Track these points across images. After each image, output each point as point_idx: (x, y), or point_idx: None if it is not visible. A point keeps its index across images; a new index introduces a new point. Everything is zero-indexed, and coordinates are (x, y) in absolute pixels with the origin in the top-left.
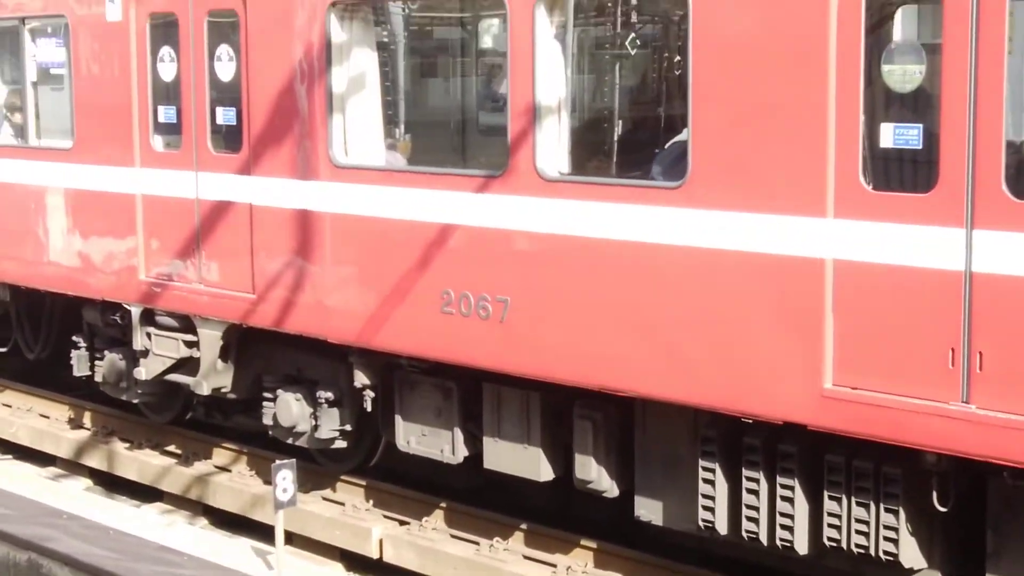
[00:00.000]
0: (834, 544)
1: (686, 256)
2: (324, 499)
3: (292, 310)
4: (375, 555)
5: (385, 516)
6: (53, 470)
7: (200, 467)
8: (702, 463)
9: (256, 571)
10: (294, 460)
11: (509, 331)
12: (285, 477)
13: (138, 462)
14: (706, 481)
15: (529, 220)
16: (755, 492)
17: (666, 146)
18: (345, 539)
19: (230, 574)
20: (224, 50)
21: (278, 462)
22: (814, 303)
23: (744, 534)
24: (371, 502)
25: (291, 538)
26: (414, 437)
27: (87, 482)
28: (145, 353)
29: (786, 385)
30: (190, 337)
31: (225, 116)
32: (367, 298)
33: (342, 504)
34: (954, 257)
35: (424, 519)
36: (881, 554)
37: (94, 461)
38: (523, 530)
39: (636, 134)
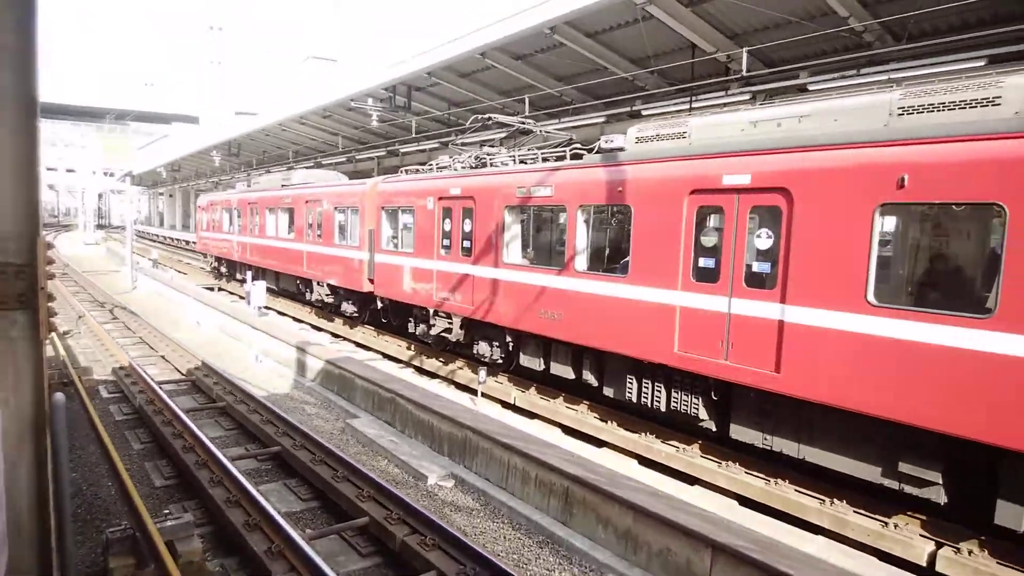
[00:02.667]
0: (676, 410)
1: (626, 302)
2: (495, 382)
3: (492, 313)
4: (512, 402)
5: (518, 389)
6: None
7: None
8: (628, 375)
9: (467, 402)
10: (486, 367)
11: (562, 324)
12: (482, 371)
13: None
14: (629, 383)
15: (572, 285)
16: (649, 387)
17: (623, 260)
18: (500, 392)
19: (454, 401)
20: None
21: (480, 367)
22: (672, 320)
23: (643, 403)
24: (512, 384)
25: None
26: (527, 359)
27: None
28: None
29: (663, 347)
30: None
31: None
32: (514, 311)
33: (501, 383)
34: (723, 306)
35: (531, 389)
36: (692, 413)
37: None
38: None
39: (614, 255)
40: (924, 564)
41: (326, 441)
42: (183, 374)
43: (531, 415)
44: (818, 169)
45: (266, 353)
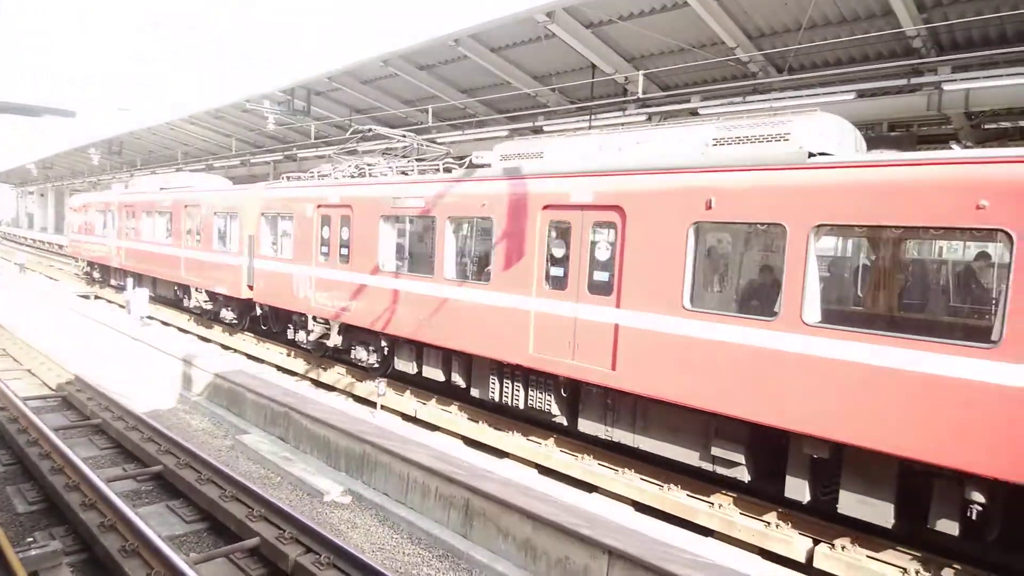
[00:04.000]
0: (532, 407)
1: (489, 308)
2: (395, 394)
3: (369, 319)
4: (413, 414)
5: (419, 400)
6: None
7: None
8: (492, 376)
9: (366, 415)
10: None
11: (433, 329)
12: (381, 383)
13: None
14: (492, 383)
15: (442, 291)
16: (509, 387)
17: (486, 269)
18: (400, 404)
19: (353, 415)
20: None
21: (379, 378)
22: (528, 324)
23: (504, 402)
24: (412, 395)
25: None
26: (401, 363)
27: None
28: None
29: (520, 350)
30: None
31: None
32: (390, 317)
33: (401, 396)
34: (571, 311)
35: (431, 401)
36: (545, 409)
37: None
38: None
39: (479, 263)
40: (803, 560)
41: (213, 459)
42: (53, 389)
43: (432, 427)
44: (645, 191)
45: (148, 366)
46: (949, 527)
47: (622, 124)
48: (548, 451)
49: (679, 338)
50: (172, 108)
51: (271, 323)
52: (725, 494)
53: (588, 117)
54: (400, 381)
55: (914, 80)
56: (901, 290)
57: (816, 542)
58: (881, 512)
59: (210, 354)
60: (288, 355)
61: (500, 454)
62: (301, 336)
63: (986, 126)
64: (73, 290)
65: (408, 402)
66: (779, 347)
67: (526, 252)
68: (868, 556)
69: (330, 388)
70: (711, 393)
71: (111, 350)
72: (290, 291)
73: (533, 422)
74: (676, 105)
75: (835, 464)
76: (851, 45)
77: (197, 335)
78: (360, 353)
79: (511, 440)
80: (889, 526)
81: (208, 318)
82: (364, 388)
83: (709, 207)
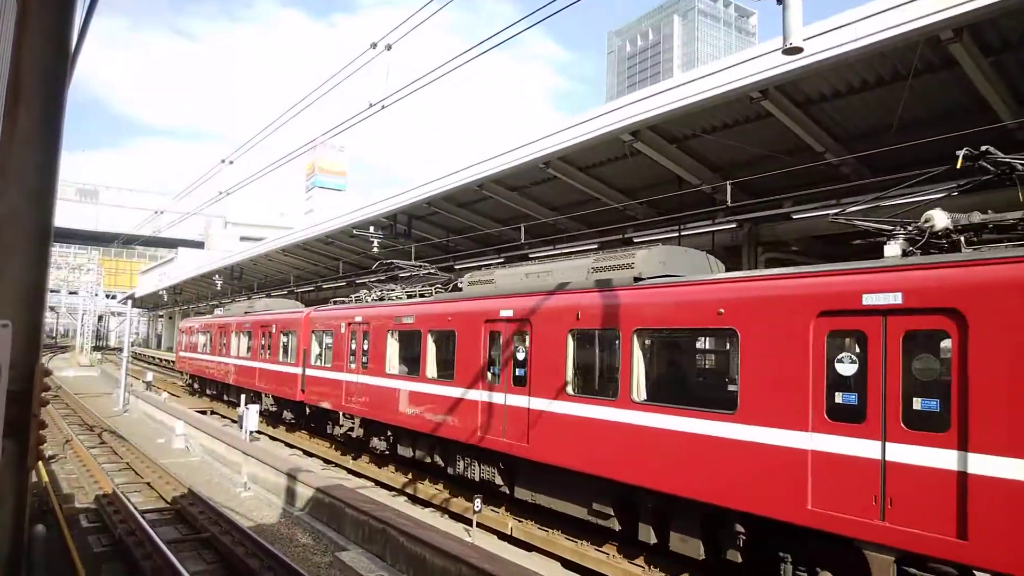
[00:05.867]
0: (483, 478)
1: (453, 399)
2: (490, 510)
3: (379, 413)
4: (508, 531)
5: (515, 519)
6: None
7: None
8: (457, 455)
9: (462, 533)
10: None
11: (419, 419)
12: (478, 500)
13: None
14: (458, 461)
15: (425, 388)
16: (467, 463)
17: (452, 369)
18: (496, 522)
19: (448, 531)
20: None
21: (476, 497)
22: (477, 412)
23: (463, 474)
24: (508, 513)
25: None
26: (402, 449)
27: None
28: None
29: (472, 433)
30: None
31: None
32: (392, 411)
33: (496, 512)
34: (503, 400)
35: (528, 520)
36: (491, 480)
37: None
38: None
39: (448, 365)
40: None
41: None
42: (168, 502)
43: (528, 547)
44: (545, 307)
45: (254, 479)
46: (733, 555)
47: (712, 231)
48: (650, 574)
49: (566, 416)
50: (287, 235)
51: (316, 420)
52: None
53: (677, 227)
54: (497, 497)
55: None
56: (685, 374)
57: None
58: (693, 547)
59: (312, 469)
60: (388, 469)
61: None
62: (337, 430)
63: None
64: (191, 406)
65: (504, 519)
66: (621, 420)
67: (476, 355)
68: None
69: (425, 503)
70: (589, 458)
71: (221, 463)
72: (329, 393)
73: (627, 542)
74: (768, 211)
75: (666, 511)
76: (942, 145)
77: (302, 450)
78: (375, 442)
79: (613, 564)
80: (701, 558)
81: (272, 419)
82: (459, 503)
83: (577, 318)
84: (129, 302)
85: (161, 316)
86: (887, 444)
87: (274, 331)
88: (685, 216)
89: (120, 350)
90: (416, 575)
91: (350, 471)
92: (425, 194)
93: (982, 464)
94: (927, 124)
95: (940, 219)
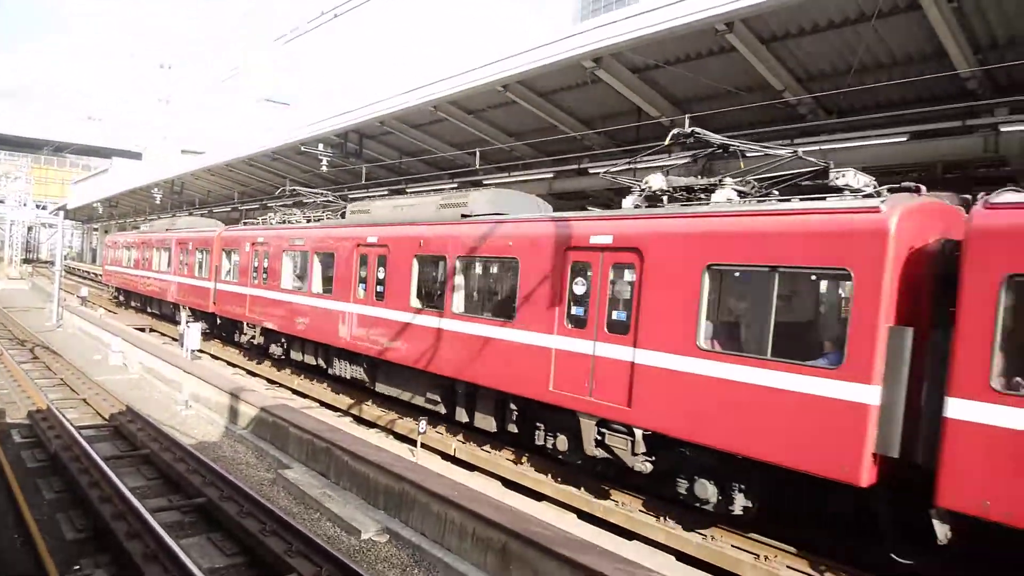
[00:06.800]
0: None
1: (327, 311)
2: (435, 432)
3: (277, 323)
4: (452, 452)
5: (458, 440)
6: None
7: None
8: (335, 358)
9: (406, 452)
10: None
11: (308, 328)
12: (422, 421)
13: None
14: (339, 362)
15: (309, 301)
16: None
17: (332, 284)
18: (440, 443)
19: (393, 452)
20: None
21: (420, 418)
22: (351, 320)
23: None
24: (451, 435)
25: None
26: (295, 354)
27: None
28: None
29: (333, 336)
30: None
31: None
32: (286, 321)
33: (440, 434)
34: (371, 312)
35: (471, 441)
36: (358, 376)
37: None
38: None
39: (329, 281)
40: None
41: (255, 492)
42: (105, 419)
43: (471, 467)
44: (401, 235)
45: (196, 398)
46: (513, 428)
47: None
48: (588, 496)
49: (411, 325)
50: (231, 148)
51: (226, 329)
52: (767, 545)
53: (633, 160)
54: (439, 419)
55: (969, 122)
56: (488, 292)
57: None
58: (489, 423)
59: (256, 388)
60: (331, 391)
61: (539, 496)
62: (244, 338)
63: None
64: (129, 323)
65: (448, 441)
66: (445, 328)
67: (350, 272)
68: None
69: (371, 424)
70: (426, 360)
71: (162, 382)
72: (237, 305)
73: (574, 466)
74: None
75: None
76: (904, 87)
77: (245, 370)
78: (274, 348)
79: (551, 483)
80: (494, 431)
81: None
82: (404, 425)
83: (420, 246)
84: (61, 213)
85: (96, 230)
86: (597, 344)
87: (191, 248)
88: (642, 148)
89: (52, 263)
90: (360, 493)
91: (295, 391)
92: (376, 113)
93: (641, 356)
94: (886, 68)
95: (655, 181)
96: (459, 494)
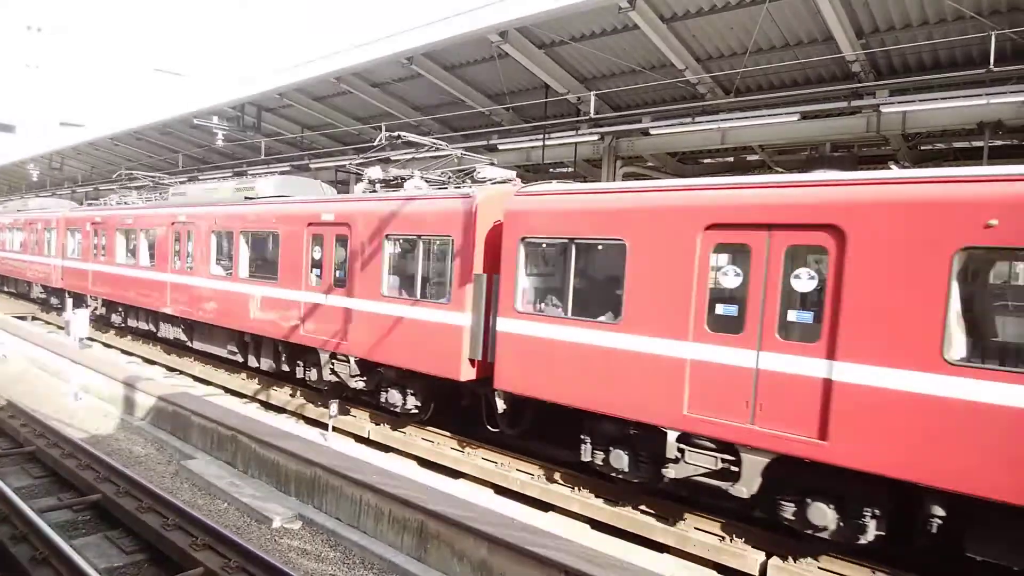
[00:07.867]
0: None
1: (219, 291)
2: (349, 416)
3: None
4: (366, 435)
5: (373, 422)
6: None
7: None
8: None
9: (318, 437)
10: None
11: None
12: (334, 405)
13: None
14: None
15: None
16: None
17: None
18: (354, 426)
19: (304, 437)
20: None
21: (332, 401)
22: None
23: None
24: (367, 417)
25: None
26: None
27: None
28: None
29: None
30: None
31: None
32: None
33: (355, 417)
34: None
35: (385, 423)
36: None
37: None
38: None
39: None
40: (757, 574)
41: (155, 486)
42: None
43: (386, 448)
44: (203, 214)
45: (86, 389)
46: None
47: (575, 142)
48: (504, 471)
49: (210, 289)
50: (117, 121)
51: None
52: (680, 509)
53: (542, 136)
54: (353, 403)
55: (854, 103)
56: (266, 260)
57: (769, 555)
58: (268, 365)
59: (153, 377)
60: (239, 376)
61: (455, 474)
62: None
63: (922, 147)
64: (9, 312)
65: (362, 423)
66: (233, 289)
67: (168, 247)
68: (820, 568)
69: (280, 410)
70: (223, 317)
71: (48, 374)
72: (81, 280)
73: (491, 442)
74: (628, 125)
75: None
76: (795, 69)
77: (141, 357)
78: (114, 318)
79: (468, 460)
80: (273, 370)
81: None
82: (315, 410)
83: (215, 223)
84: None
85: None
86: (328, 296)
87: (39, 228)
88: (550, 125)
89: None
90: (270, 481)
91: (197, 378)
92: (276, 84)
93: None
94: (779, 50)
95: (372, 173)
96: (374, 476)
